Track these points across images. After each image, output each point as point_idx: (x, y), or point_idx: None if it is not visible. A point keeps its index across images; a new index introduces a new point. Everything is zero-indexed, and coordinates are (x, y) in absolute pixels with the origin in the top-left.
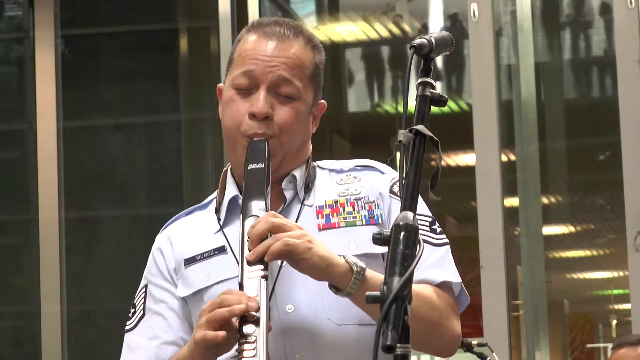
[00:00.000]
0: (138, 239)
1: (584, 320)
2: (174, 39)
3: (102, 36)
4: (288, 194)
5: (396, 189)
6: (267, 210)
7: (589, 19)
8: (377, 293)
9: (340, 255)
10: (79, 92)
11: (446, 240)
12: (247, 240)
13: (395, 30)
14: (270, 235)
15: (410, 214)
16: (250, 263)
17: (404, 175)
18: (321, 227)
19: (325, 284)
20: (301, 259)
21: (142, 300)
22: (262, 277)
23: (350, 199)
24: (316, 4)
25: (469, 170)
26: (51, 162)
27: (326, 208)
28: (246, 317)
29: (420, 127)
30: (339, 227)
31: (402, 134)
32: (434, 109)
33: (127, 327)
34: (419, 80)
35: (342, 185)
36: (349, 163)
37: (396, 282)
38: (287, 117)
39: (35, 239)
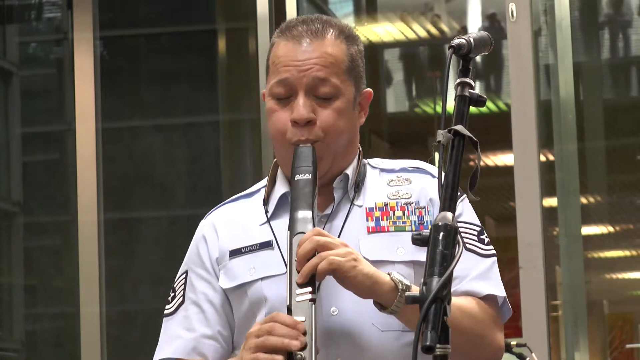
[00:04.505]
0: (177, 239)
1: (623, 321)
2: (212, 40)
3: (141, 37)
4: (337, 194)
5: None
6: (313, 221)
7: (627, 19)
8: (417, 293)
9: (387, 273)
10: (117, 93)
11: (493, 251)
12: (295, 260)
13: (434, 31)
14: (317, 254)
15: (449, 214)
16: (299, 285)
17: (443, 176)
18: (370, 230)
19: None
20: (346, 277)
21: (182, 287)
22: (310, 300)
23: (401, 203)
24: (354, 4)
25: (508, 171)
26: (90, 163)
27: (376, 210)
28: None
29: (459, 128)
30: (388, 231)
31: (441, 134)
32: (472, 109)
33: (166, 312)
34: (458, 81)
35: (393, 187)
36: (400, 163)
37: (435, 282)
38: (330, 119)
39: (74, 240)
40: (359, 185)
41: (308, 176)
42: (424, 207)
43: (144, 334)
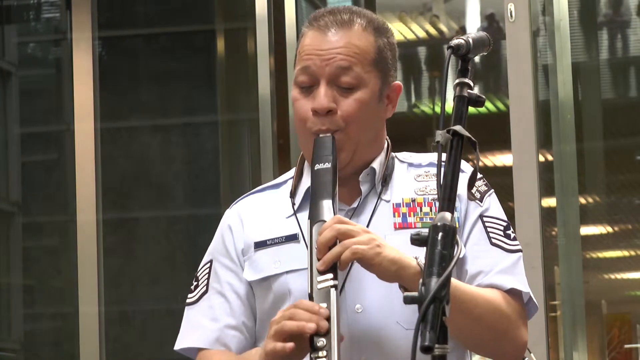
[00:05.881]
0: (176, 239)
1: (621, 321)
2: (211, 40)
3: (139, 38)
4: (364, 188)
5: (474, 190)
6: (334, 210)
7: (626, 19)
8: (415, 293)
9: (414, 257)
10: (116, 93)
11: (519, 247)
12: (316, 249)
13: (432, 31)
14: (338, 242)
15: (448, 215)
16: (320, 272)
17: (441, 176)
18: (397, 226)
19: (395, 287)
20: (371, 265)
21: (206, 276)
22: (331, 286)
23: (428, 199)
24: (353, 5)
25: (506, 171)
26: (89, 163)
27: (403, 206)
28: (317, 329)
29: (458, 128)
30: (415, 227)
31: (440, 135)
32: (471, 109)
33: (188, 301)
34: (457, 81)
35: (421, 183)
36: (428, 157)
37: (434, 282)
38: (351, 108)
39: (73, 240)
40: (386, 179)
41: (328, 165)
42: None
43: (142, 334)
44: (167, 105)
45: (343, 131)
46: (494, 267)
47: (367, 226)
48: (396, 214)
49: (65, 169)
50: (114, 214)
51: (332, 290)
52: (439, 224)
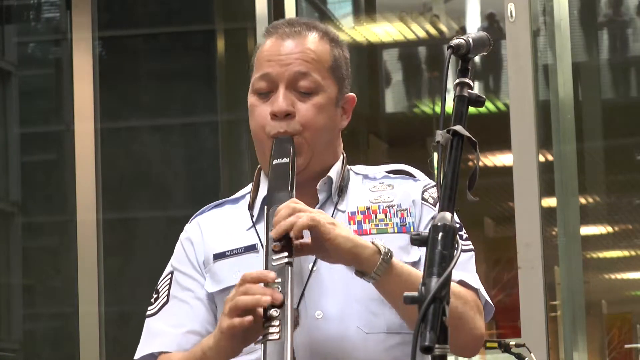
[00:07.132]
0: (175, 240)
1: (622, 321)
2: (211, 40)
3: (139, 38)
4: (321, 196)
5: (427, 195)
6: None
7: (626, 19)
8: (415, 293)
9: (369, 241)
10: (116, 93)
11: (472, 247)
12: (273, 228)
13: (432, 31)
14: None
15: (448, 215)
16: (275, 251)
17: (441, 176)
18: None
19: (355, 292)
20: (326, 240)
21: (167, 287)
22: (286, 263)
23: (383, 206)
24: (353, 4)
25: (507, 171)
26: (89, 163)
27: (358, 214)
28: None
29: (458, 128)
30: (370, 234)
31: (440, 135)
32: (471, 109)
33: (148, 312)
34: (457, 81)
35: (375, 193)
36: (381, 170)
37: (434, 282)
38: (309, 112)
39: (72, 240)
40: (342, 190)
41: (286, 160)
42: (406, 209)
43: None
44: (167, 105)
45: (301, 135)
46: None
47: None
48: (351, 222)
49: (65, 169)
50: (113, 214)
51: (287, 266)
52: (439, 224)
